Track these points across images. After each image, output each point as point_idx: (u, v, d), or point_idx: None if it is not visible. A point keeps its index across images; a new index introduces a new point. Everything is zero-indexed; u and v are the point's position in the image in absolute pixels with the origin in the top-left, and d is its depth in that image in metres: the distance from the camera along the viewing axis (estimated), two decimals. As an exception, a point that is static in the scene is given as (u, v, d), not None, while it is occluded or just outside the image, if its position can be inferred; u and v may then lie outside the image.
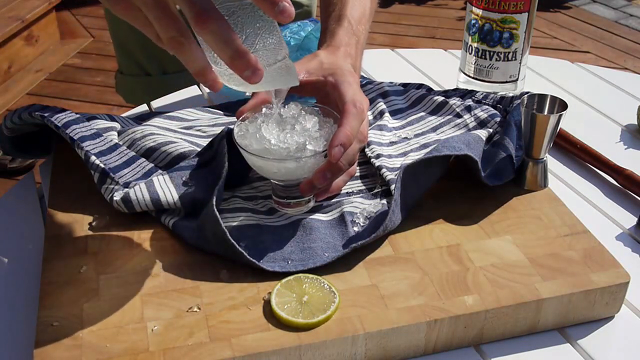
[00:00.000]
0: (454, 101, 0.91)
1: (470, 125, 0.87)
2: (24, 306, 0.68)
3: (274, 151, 0.68)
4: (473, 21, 0.97)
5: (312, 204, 0.75)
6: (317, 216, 0.73)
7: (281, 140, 0.69)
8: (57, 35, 3.21)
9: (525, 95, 0.80)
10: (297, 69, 0.75)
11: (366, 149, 0.83)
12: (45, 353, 0.59)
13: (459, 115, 0.89)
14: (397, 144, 0.86)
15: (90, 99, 2.75)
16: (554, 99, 0.79)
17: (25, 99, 2.74)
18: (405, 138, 0.87)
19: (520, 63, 0.99)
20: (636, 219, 0.81)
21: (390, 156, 0.82)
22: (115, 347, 0.59)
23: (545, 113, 0.79)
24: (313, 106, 0.75)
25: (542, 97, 0.80)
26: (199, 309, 0.63)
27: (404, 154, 0.83)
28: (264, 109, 0.72)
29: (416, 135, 0.87)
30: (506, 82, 1.00)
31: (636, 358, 0.65)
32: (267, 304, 0.63)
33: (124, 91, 1.41)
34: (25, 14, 2.93)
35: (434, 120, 0.90)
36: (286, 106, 0.72)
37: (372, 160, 0.81)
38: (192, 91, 1.08)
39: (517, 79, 1.00)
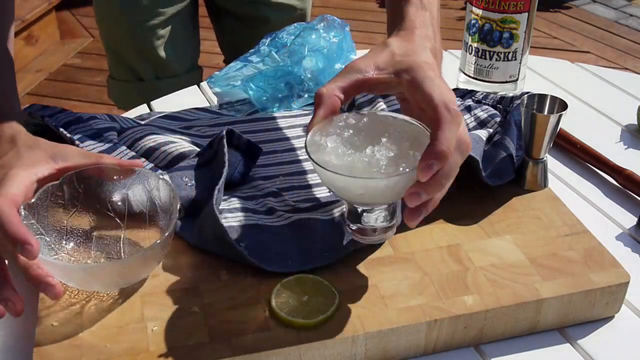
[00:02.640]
0: (454, 101, 0.91)
1: (470, 126, 0.87)
2: (24, 306, 0.68)
3: (361, 168, 0.57)
4: (473, 21, 0.97)
5: (397, 223, 0.66)
6: (317, 216, 0.73)
7: (368, 155, 0.58)
8: (57, 35, 3.21)
9: (525, 95, 0.80)
10: (365, 63, 0.64)
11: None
12: (45, 353, 0.59)
13: (459, 115, 0.89)
14: (397, 144, 0.85)
15: (90, 99, 2.75)
16: (554, 99, 0.79)
17: (25, 99, 2.74)
18: (406, 138, 0.86)
19: (520, 63, 0.99)
20: (636, 219, 0.81)
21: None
22: (115, 347, 0.59)
23: (545, 113, 0.79)
24: (393, 113, 0.65)
25: (542, 97, 0.80)
26: (199, 309, 0.63)
27: (404, 154, 0.83)
28: (335, 120, 0.62)
29: (416, 135, 0.87)
30: (506, 82, 1.00)
31: (636, 358, 0.65)
32: (267, 304, 0.63)
33: (116, 96, 1.41)
34: (25, 14, 2.93)
35: (434, 120, 0.89)
36: (362, 117, 0.62)
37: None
38: (192, 91, 1.08)
39: (517, 79, 1.00)
